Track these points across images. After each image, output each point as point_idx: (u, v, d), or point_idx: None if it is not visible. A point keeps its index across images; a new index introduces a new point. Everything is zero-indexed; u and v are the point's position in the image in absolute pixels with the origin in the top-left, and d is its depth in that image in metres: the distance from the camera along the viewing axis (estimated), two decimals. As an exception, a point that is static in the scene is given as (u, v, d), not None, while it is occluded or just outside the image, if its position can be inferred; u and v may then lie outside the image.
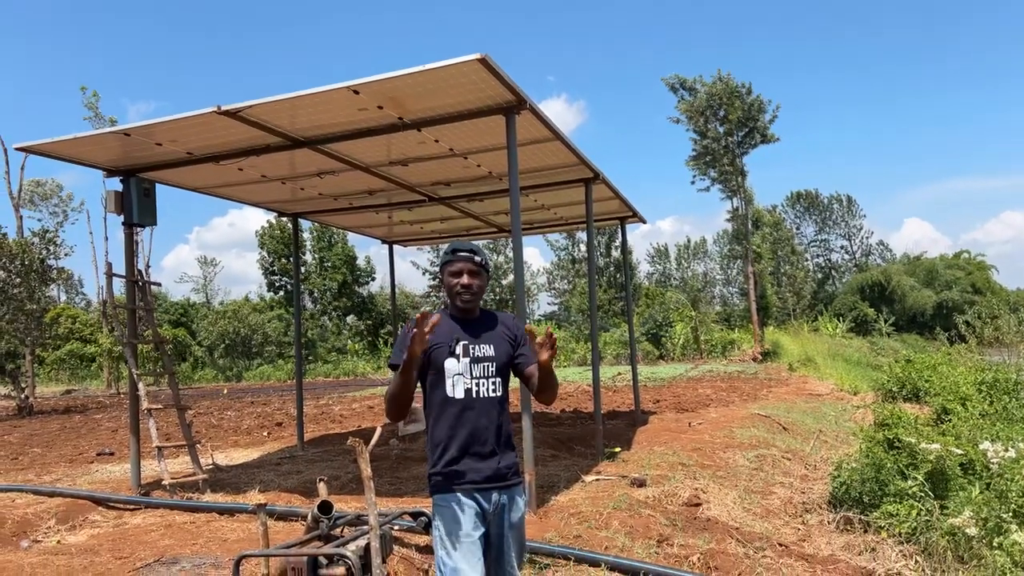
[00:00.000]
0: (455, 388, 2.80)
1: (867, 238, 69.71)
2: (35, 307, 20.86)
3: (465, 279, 2.85)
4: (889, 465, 6.15)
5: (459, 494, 2.74)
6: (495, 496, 2.79)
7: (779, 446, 9.06)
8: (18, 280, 19.88)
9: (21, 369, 25.15)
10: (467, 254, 2.88)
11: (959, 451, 6.15)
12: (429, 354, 2.78)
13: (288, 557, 2.95)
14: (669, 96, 65.78)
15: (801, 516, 6.37)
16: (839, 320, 40.52)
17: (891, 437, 6.65)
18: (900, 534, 5.53)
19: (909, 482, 5.87)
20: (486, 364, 2.86)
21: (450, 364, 2.81)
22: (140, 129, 6.46)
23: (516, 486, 2.88)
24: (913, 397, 13.35)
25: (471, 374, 2.81)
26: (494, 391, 2.86)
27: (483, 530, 2.76)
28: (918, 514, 5.58)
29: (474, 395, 2.81)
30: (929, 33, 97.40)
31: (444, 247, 3.23)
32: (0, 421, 17.93)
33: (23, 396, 20.18)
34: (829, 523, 6.13)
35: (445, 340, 2.81)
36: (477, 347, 2.85)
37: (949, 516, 5.36)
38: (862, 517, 5.93)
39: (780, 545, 5.34)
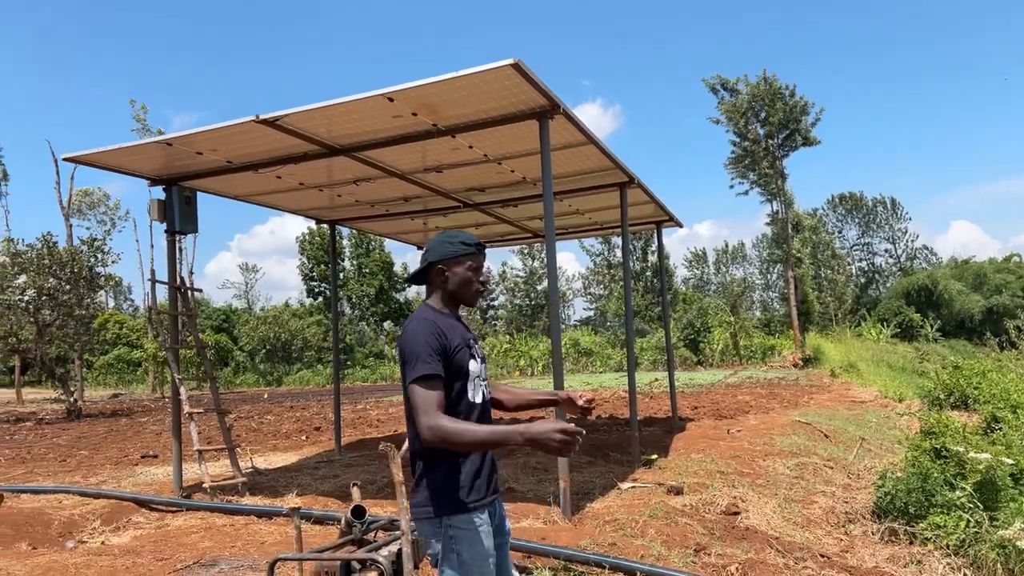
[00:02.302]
0: (476, 392, 2.56)
1: (912, 241, 68.17)
2: (84, 313, 21.46)
3: (486, 277, 2.69)
4: (936, 475, 5.97)
5: (478, 512, 2.48)
6: (497, 505, 2.65)
7: (820, 454, 8.87)
8: (68, 287, 20.48)
9: (70, 373, 25.93)
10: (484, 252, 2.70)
11: (1010, 461, 5.95)
12: (452, 357, 2.48)
13: (322, 561, 2.97)
14: (706, 99, 65.12)
15: (844, 526, 6.22)
16: (883, 325, 39.59)
17: (938, 446, 6.46)
18: (947, 546, 5.36)
19: (957, 492, 5.70)
20: (485, 366, 2.71)
21: (473, 367, 2.56)
22: (182, 139, 6.60)
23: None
24: (961, 405, 12.99)
25: (482, 376, 2.63)
26: (490, 393, 2.74)
27: None
28: (966, 526, 5.41)
29: (486, 399, 2.64)
30: (976, 32, 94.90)
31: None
32: (50, 424, 18.47)
33: (72, 399, 20.75)
34: (873, 534, 5.97)
35: (461, 341, 2.54)
36: (478, 347, 2.67)
37: (999, 528, 5.19)
38: (908, 528, 5.76)
39: (822, 556, 5.22)
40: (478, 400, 2.57)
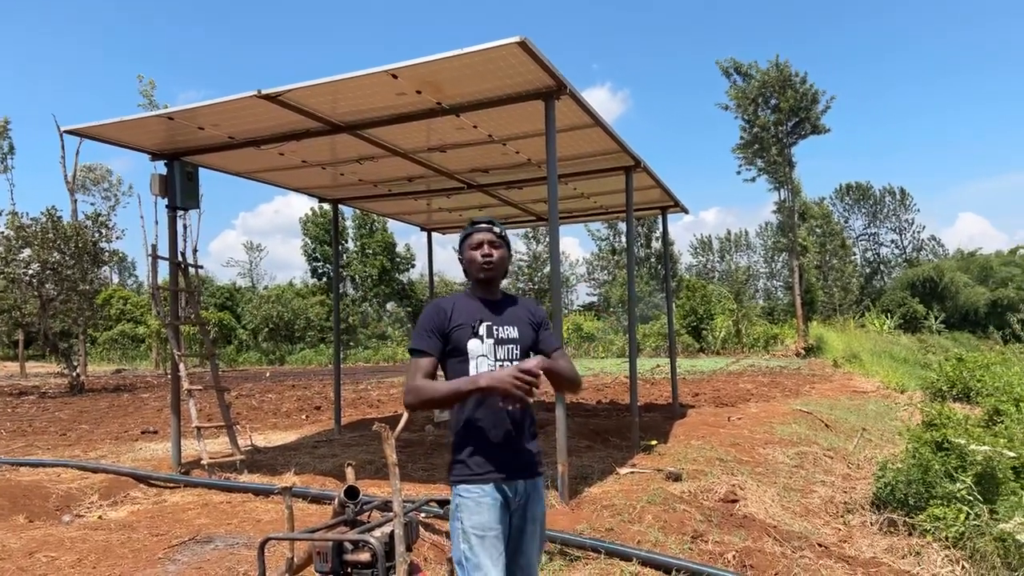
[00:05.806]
0: (479, 371, 2.65)
1: (919, 232, 67.78)
2: (88, 288, 21.44)
3: (486, 248, 2.75)
4: (937, 467, 5.93)
5: (484, 485, 2.61)
6: (520, 486, 2.67)
7: (821, 444, 8.84)
8: (72, 262, 20.45)
9: (73, 348, 25.95)
10: (486, 226, 2.81)
11: (1011, 454, 5.90)
12: (450, 335, 2.68)
13: (313, 541, 2.94)
14: (715, 85, 64.60)
15: (842, 516, 6.19)
16: (887, 316, 39.43)
17: (939, 438, 6.41)
18: (946, 538, 5.33)
19: (957, 485, 5.66)
20: (510, 346, 2.73)
21: (473, 345, 2.67)
22: (183, 113, 6.53)
23: (540, 476, 2.76)
24: (964, 397, 12.94)
25: (495, 356, 2.68)
26: None
27: (506, 523, 2.65)
28: (966, 518, 5.37)
29: None
30: (988, 25, 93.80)
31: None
32: (52, 398, 18.53)
33: (75, 374, 20.80)
34: (872, 524, 5.95)
35: (468, 320, 2.69)
36: (501, 328, 2.72)
37: (999, 521, 5.15)
38: (907, 519, 5.73)
39: (819, 545, 5.19)
40: None
